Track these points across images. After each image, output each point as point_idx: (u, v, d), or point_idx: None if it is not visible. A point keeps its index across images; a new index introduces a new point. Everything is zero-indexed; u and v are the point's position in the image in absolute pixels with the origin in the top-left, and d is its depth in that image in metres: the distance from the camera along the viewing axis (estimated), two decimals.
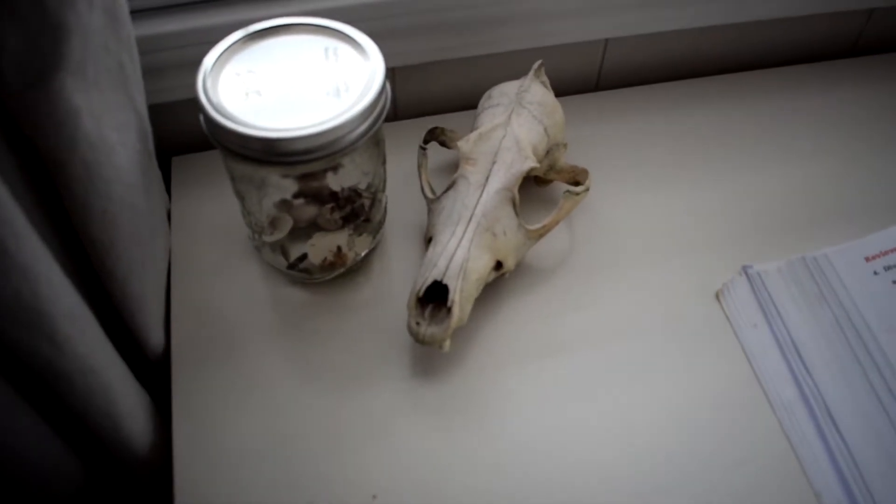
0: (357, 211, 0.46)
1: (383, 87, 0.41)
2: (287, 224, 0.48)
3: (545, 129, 0.49)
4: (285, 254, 0.48)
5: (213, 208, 0.52)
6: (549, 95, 0.50)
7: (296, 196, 0.46)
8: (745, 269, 0.51)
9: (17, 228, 0.31)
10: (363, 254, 0.49)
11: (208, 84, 0.40)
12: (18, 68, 0.31)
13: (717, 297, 0.50)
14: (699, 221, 0.53)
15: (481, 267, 0.45)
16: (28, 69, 0.31)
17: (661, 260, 0.51)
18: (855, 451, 0.43)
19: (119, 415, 0.40)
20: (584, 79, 0.62)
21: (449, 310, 0.43)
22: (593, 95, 0.60)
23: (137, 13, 0.47)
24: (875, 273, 0.49)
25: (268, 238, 0.47)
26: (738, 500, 0.41)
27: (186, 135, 0.53)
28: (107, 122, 0.36)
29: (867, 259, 0.49)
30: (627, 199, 0.54)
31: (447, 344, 0.43)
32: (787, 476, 0.42)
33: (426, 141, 0.51)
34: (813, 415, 0.45)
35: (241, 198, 0.45)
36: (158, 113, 0.48)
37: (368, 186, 0.46)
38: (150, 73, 0.46)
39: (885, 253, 0.49)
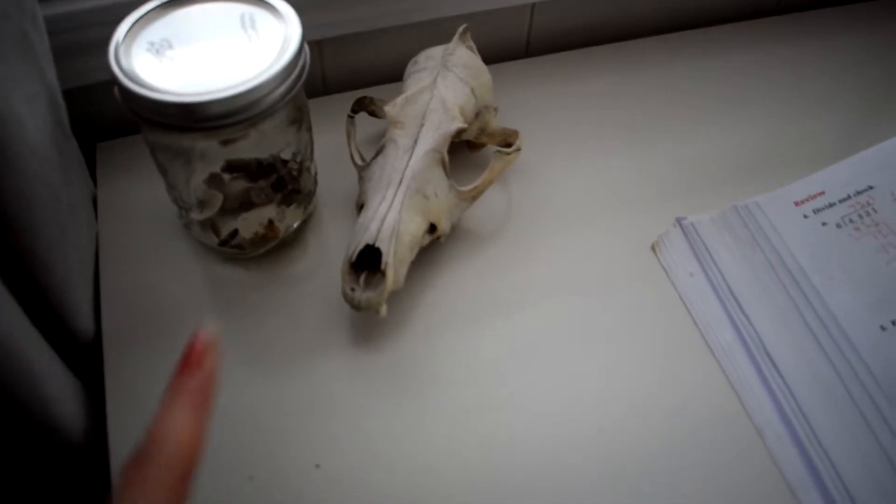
0: (284, 179, 0.45)
1: (300, 50, 0.41)
2: (217, 201, 0.47)
3: (472, 91, 0.49)
4: (216, 231, 0.47)
5: (141, 192, 0.51)
6: (475, 58, 0.50)
7: (224, 170, 0.45)
8: (678, 221, 0.51)
9: None
10: (295, 225, 0.48)
11: (121, 54, 0.40)
12: None
13: (653, 249, 0.50)
14: (633, 180, 0.54)
15: (414, 229, 0.45)
16: None
17: (596, 218, 0.52)
18: (793, 387, 0.44)
19: (46, 398, 0.39)
20: (514, 45, 0.62)
21: (383, 273, 0.43)
22: (524, 62, 0.61)
23: None
24: (805, 216, 0.50)
25: (196, 216, 0.47)
26: (683, 442, 0.42)
27: (108, 118, 0.52)
28: (15, 95, 0.35)
29: (796, 203, 0.50)
30: (562, 161, 0.55)
31: (383, 309, 0.43)
32: (730, 415, 0.43)
33: (354, 111, 0.51)
34: (751, 355, 0.46)
35: (163, 172, 0.44)
36: (78, 97, 0.47)
37: (294, 155, 0.45)
38: (64, 54, 0.45)
39: (813, 197, 0.50)
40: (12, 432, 0.41)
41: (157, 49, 0.40)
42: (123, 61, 0.39)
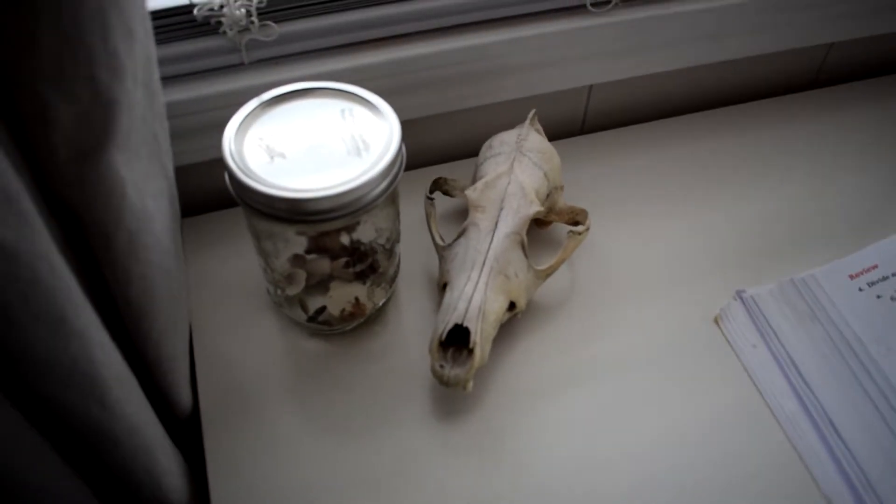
0: (374, 265, 0.48)
1: (400, 146, 0.44)
2: (301, 278, 0.50)
3: (545, 174, 0.52)
4: (304, 307, 0.50)
5: (225, 268, 0.54)
6: (545, 142, 0.53)
7: (308, 251, 0.48)
8: (739, 294, 0.54)
9: (74, 298, 0.32)
10: (381, 303, 0.51)
11: (233, 148, 0.42)
12: (69, 143, 0.33)
13: (716, 321, 0.53)
14: (691, 252, 0.56)
15: (497, 308, 0.47)
16: (79, 143, 0.33)
17: (659, 290, 0.54)
18: (858, 456, 0.46)
19: (160, 472, 0.41)
20: (571, 122, 0.66)
21: (470, 351, 0.45)
22: (580, 138, 0.64)
23: None
24: (860, 289, 0.53)
25: (290, 292, 0.49)
26: None
27: (190, 197, 0.55)
28: (146, 191, 0.38)
29: (851, 277, 0.53)
30: (621, 234, 0.57)
31: (470, 385, 0.45)
32: (797, 485, 0.45)
33: (431, 191, 0.54)
34: (815, 425, 0.48)
35: (264, 255, 0.47)
36: None
37: (387, 240, 0.48)
38: None
39: (868, 270, 0.53)
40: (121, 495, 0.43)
41: (266, 143, 0.43)
42: (236, 155, 0.42)
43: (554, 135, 0.64)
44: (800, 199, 0.60)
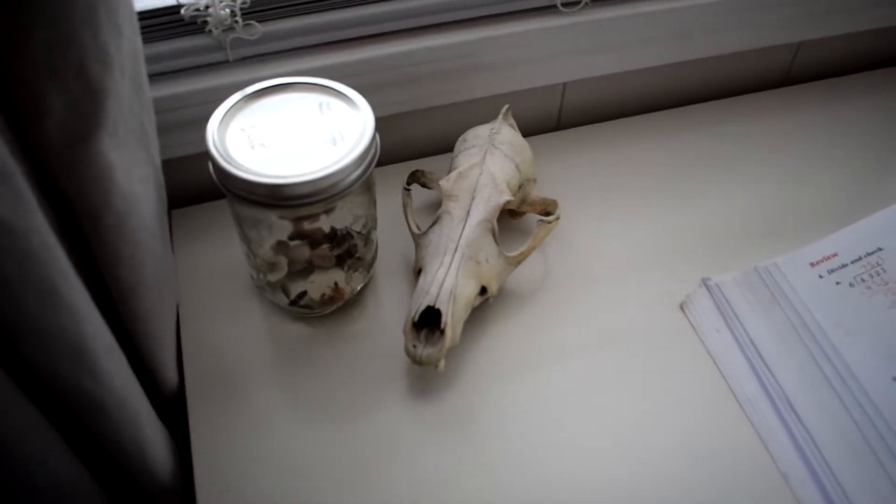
0: (351, 249, 0.51)
1: (374, 136, 0.47)
2: (284, 264, 0.53)
3: (517, 166, 0.55)
4: (286, 292, 0.53)
5: (213, 255, 0.57)
6: (517, 136, 0.57)
7: (291, 238, 0.51)
8: (704, 281, 0.57)
9: (65, 272, 0.35)
10: (359, 288, 0.54)
11: (216, 138, 0.46)
12: (62, 129, 0.36)
13: (681, 307, 0.56)
14: (659, 243, 0.59)
15: (469, 292, 0.50)
16: (71, 130, 0.36)
17: (627, 278, 0.57)
18: (815, 435, 0.49)
19: (145, 442, 0.44)
20: (547, 118, 0.69)
21: (442, 332, 0.48)
22: (555, 134, 0.67)
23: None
24: (820, 276, 0.55)
25: (272, 278, 0.52)
26: (713, 487, 0.47)
27: (182, 189, 0.58)
28: (134, 176, 0.41)
29: (812, 264, 0.56)
30: (593, 225, 0.60)
31: (442, 364, 0.48)
32: (756, 461, 0.48)
33: (409, 183, 0.57)
34: (775, 405, 0.51)
35: (247, 241, 0.50)
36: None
37: (363, 227, 0.51)
38: None
39: (827, 258, 0.56)
40: (113, 473, 0.46)
41: (248, 134, 0.46)
42: (219, 145, 0.45)
43: (531, 130, 0.67)
44: (767, 193, 0.63)
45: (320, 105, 0.48)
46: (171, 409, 0.51)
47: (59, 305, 0.35)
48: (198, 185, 0.60)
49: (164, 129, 0.53)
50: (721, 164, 0.65)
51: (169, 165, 0.55)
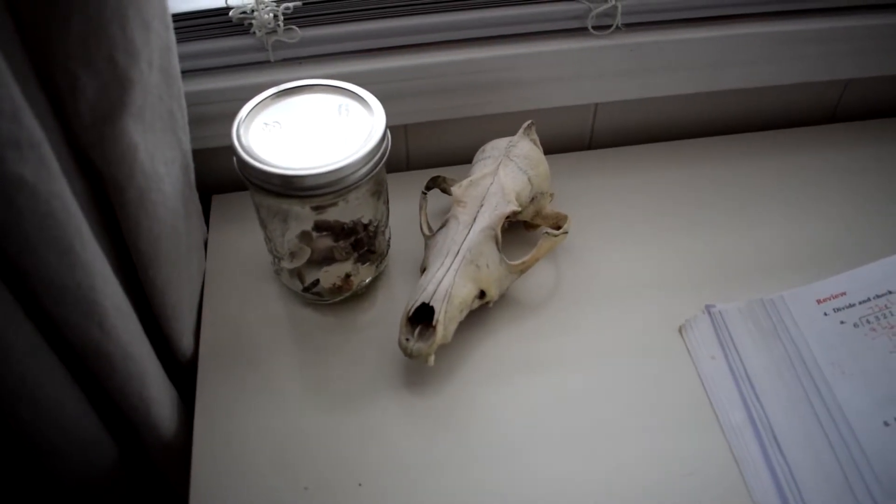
0: (362, 241, 0.55)
1: (383, 137, 0.51)
2: (305, 254, 0.57)
3: (529, 179, 0.57)
4: (301, 279, 0.57)
5: (244, 241, 0.62)
6: (535, 150, 0.59)
7: (313, 229, 0.55)
8: (707, 308, 0.58)
9: (83, 233, 0.41)
10: (367, 280, 0.58)
11: (241, 131, 0.51)
12: (92, 110, 0.41)
13: (679, 331, 0.57)
14: (670, 267, 0.61)
15: (465, 294, 0.53)
16: (100, 111, 0.42)
17: (632, 299, 0.59)
18: (795, 470, 0.49)
19: (150, 399, 0.49)
20: (578, 138, 0.71)
21: (434, 328, 0.51)
22: (585, 153, 0.69)
23: (192, 72, 0.59)
24: (825, 314, 0.55)
25: (287, 265, 0.57)
26: None
27: (225, 176, 0.64)
28: (158, 158, 0.47)
29: (818, 301, 0.56)
30: (608, 245, 0.62)
31: (431, 358, 0.52)
32: (731, 488, 0.49)
33: (428, 187, 0.61)
34: (759, 436, 0.51)
35: (264, 227, 0.55)
36: (203, 157, 0.59)
37: (371, 221, 0.55)
38: (198, 122, 0.56)
39: (835, 296, 0.56)
40: (117, 430, 0.51)
41: (270, 129, 0.51)
42: (243, 137, 0.50)
43: (562, 147, 0.70)
44: (785, 228, 0.63)
45: (340, 106, 0.52)
46: (185, 376, 0.56)
47: (75, 263, 0.41)
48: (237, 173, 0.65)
49: (209, 120, 0.59)
50: (743, 198, 0.66)
51: (213, 154, 0.61)
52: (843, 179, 0.67)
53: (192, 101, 0.55)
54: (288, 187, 0.49)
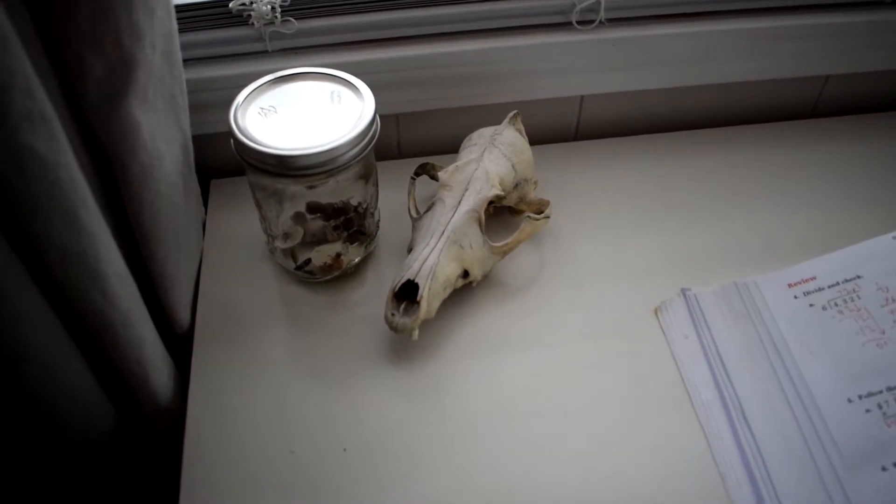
0: (351, 221, 0.59)
1: (372, 122, 0.55)
2: (298, 234, 0.61)
3: (513, 166, 0.61)
4: (294, 258, 0.61)
5: (240, 222, 0.66)
6: (519, 139, 0.63)
7: (307, 210, 0.59)
8: (683, 291, 0.61)
9: (88, 203, 0.45)
10: (356, 260, 0.62)
11: (238, 115, 0.55)
12: (99, 89, 0.46)
13: (655, 312, 0.61)
14: (649, 253, 0.64)
15: (449, 272, 0.57)
16: (106, 90, 0.46)
17: (612, 282, 0.62)
18: (761, 443, 0.53)
19: (148, 364, 0.53)
20: (564, 129, 0.75)
21: (418, 304, 0.55)
22: (571, 144, 0.73)
23: (193, 60, 0.63)
24: (795, 297, 0.59)
25: (280, 245, 0.61)
26: (651, 475, 0.51)
27: (223, 162, 0.68)
28: (159, 136, 0.51)
29: (789, 285, 0.60)
30: (591, 231, 0.66)
31: (415, 333, 0.55)
32: (697, 459, 0.52)
33: (417, 173, 0.65)
34: (727, 411, 0.55)
35: (259, 208, 0.59)
36: (202, 142, 0.63)
37: (360, 203, 0.59)
38: (197, 108, 0.60)
39: (805, 281, 0.59)
40: (118, 389, 0.55)
41: (265, 113, 0.55)
42: (240, 120, 0.54)
43: (549, 138, 0.74)
44: (763, 219, 0.67)
45: (332, 93, 0.56)
46: (182, 347, 0.60)
47: (80, 231, 0.45)
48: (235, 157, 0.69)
49: (209, 107, 0.63)
50: (724, 188, 0.70)
51: (212, 139, 0.65)
52: (821, 173, 0.71)
53: (193, 88, 0.59)
54: (282, 167, 0.53)
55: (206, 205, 0.68)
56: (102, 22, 0.43)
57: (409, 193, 0.63)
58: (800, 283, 0.60)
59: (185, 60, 0.55)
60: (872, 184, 0.70)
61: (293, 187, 0.56)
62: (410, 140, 0.72)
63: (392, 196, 0.66)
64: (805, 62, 0.71)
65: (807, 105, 0.78)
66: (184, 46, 0.55)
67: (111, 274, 0.48)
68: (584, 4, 0.65)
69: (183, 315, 0.59)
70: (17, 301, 0.46)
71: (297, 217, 0.60)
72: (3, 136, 0.39)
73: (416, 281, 0.55)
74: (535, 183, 0.65)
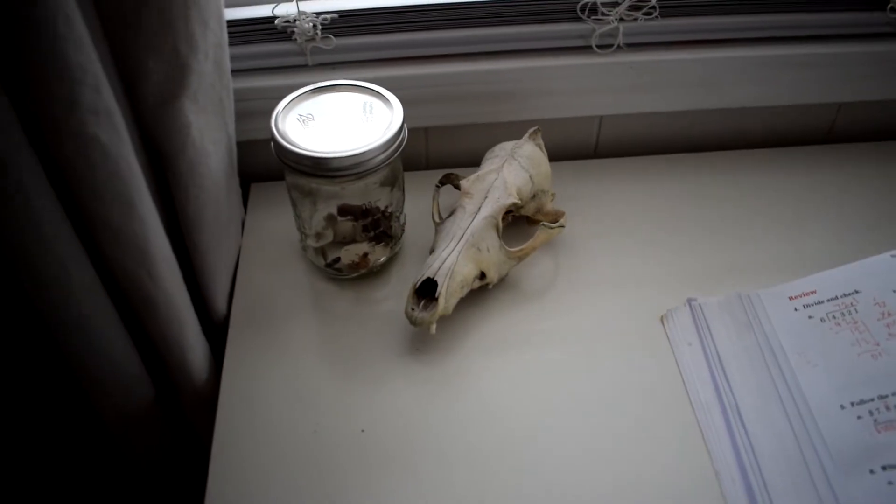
0: (377, 222, 0.64)
1: (400, 130, 0.60)
2: (329, 235, 0.67)
3: (530, 177, 0.66)
4: (324, 256, 0.67)
5: (276, 223, 0.72)
6: (538, 153, 0.68)
7: (338, 213, 0.65)
8: (689, 301, 0.65)
9: (142, 192, 0.51)
10: (382, 260, 0.67)
11: (279, 121, 0.61)
12: (156, 92, 0.52)
13: (661, 320, 0.64)
14: (659, 266, 0.69)
15: (466, 272, 0.62)
16: (162, 93, 0.52)
17: (622, 291, 0.67)
18: (755, 443, 0.56)
19: (186, 345, 0.58)
20: (584, 146, 0.80)
21: (436, 300, 0.60)
22: (589, 161, 0.78)
23: (240, 72, 0.69)
24: (795, 309, 0.62)
25: (312, 243, 0.66)
26: (647, 468, 0.55)
27: (264, 167, 0.74)
28: (207, 137, 0.57)
29: (790, 298, 0.63)
30: (604, 243, 0.71)
31: (433, 327, 0.60)
32: (693, 455, 0.56)
33: (442, 182, 0.70)
34: (725, 412, 0.58)
35: (294, 206, 0.64)
36: (245, 148, 0.69)
37: (387, 206, 0.64)
38: (242, 116, 0.66)
39: (806, 294, 0.63)
40: (157, 366, 0.61)
41: (304, 120, 0.61)
42: (280, 125, 0.60)
43: (569, 154, 0.79)
44: (771, 239, 0.71)
45: (364, 104, 0.62)
46: (217, 335, 0.65)
47: (134, 216, 0.51)
48: (278, 164, 0.75)
49: (254, 115, 0.69)
50: (734, 208, 0.74)
51: (254, 146, 0.71)
52: (827, 197, 0.75)
53: (239, 97, 0.65)
54: (316, 168, 0.59)
55: (246, 206, 0.74)
56: (163, 32, 0.49)
57: (433, 200, 0.68)
58: (800, 296, 0.63)
59: (233, 71, 0.61)
60: (876, 207, 0.73)
61: (326, 188, 0.62)
62: (438, 152, 0.77)
63: (419, 203, 0.71)
64: (814, 90, 0.75)
65: (821, 131, 0.82)
66: (232, 58, 0.61)
67: (159, 257, 0.53)
68: (604, 30, 0.70)
69: (220, 304, 0.64)
70: (73, 274, 0.52)
71: (329, 218, 0.66)
72: (72, 126, 0.45)
73: (435, 279, 0.60)
74: (553, 195, 0.69)
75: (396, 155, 0.61)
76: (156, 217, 0.53)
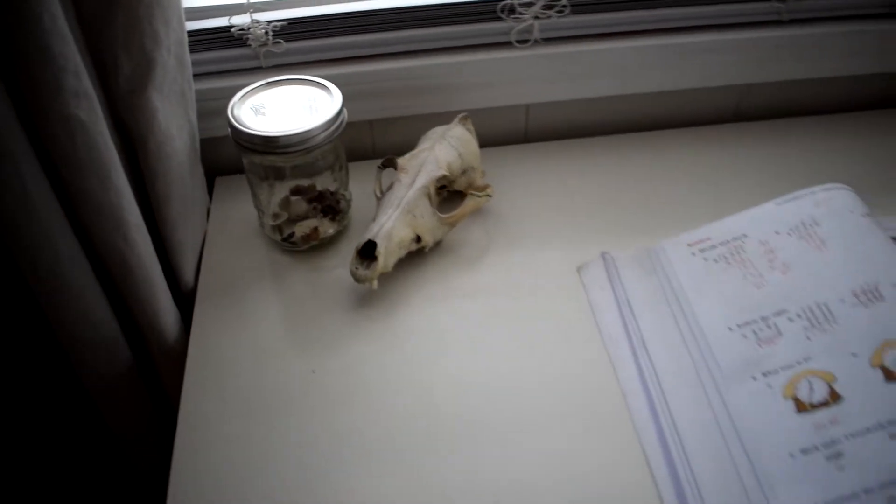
0: (323, 195, 0.75)
1: (339, 113, 0.71)
2: (284, 215, 0.77)
3: (459, 154, 0.77)
4: (280, 232, 0.77)
5: (238, 209, 0.82)
6: (467, 135, 0.79)
7: (291, 194, 0.75)
8: (602, 254, 0.76)
9: (117, 165, 0.61)
10: (331, 232, 0.77)
11: (235, 110, 0.71)
12: (127, 82, 0.62)
13: (577, 271, 0.75)
14: (577, 227, 0.79)
15: (403, 235, 0.72)
16: (132, 83, 0.63)
17: (544, 249, 0.77)
18: (656, 361, 0.66)
19: (158, 307, 0.68)
20: (515, 132, 0.91)
21: (376, 259, 0.70)
22: (521, 146, 0.89)
23: (201, 75, 0.80)
24: (692, 254, 0.73)
25: (270, 222, 0.77)
26: (569, 393, 0.65)
27: (226, 162, 0.85)
28: (172, 122, 0.67)
29: (689, 245, 0.74)
30: (530, 213, 0.81)
31: (375, 283, 0.70)
32: (602, 381, 0.66)
33: (384, 165, 0.80)
34: (630, 342, 0.68)
35: (250, 184, 0.75)
36: (209, 144, 0.80)
37: (334, 184, 0.75)
38: (204, 115, 0.77)
39: (701, 241, 0.74)
40: (132, 330, 0.70)
41: (256, 109, 0.72)
42: (236, 113, 0.71)
43: (502, 140, 0.90)
44: (679, 202, 0.82)
45: (310, 95, 0.73)
46: (185, 304, 0.75)
47: (110, 186, 0.61)
48: (238, 158, 0.86)
49: (215, 114, 0.80)
50: (648, 180, 0.84)
51: (217, 142, 0.81)
52: (734, 167, 0.86)
53: (201, 97, 0.76)
54: (267, 146, 0.69)
55: (211, 196, 0.84)
56: (132, 30, 0.60)
57: (376, 179, 0.79)
58: (697, 242, 0.74)
59: (196, 75, 0.72)
60: (772, 173, 0.85)
61: (280, 165, 0.72)
62: (382, 142, 0.88)
63: (366, 188, 0.81)
64: (717, 74, 0.86)
65: (728, 111, 0.93)
66: (195, 63, 0.72)
67: (132, 223, 0.64)
68: (521, 27, 0.81)
69: (188, 276, 0.74)
70: (59, 244, 0.62)
71: (284, 201, 0.76)
72: (57, 107, 0.56)
73: (375, 240, 0.70)
74: (483, 172, 0.80)
75: (337, 134, 0.71)
76: (128, 188, 0.63)
